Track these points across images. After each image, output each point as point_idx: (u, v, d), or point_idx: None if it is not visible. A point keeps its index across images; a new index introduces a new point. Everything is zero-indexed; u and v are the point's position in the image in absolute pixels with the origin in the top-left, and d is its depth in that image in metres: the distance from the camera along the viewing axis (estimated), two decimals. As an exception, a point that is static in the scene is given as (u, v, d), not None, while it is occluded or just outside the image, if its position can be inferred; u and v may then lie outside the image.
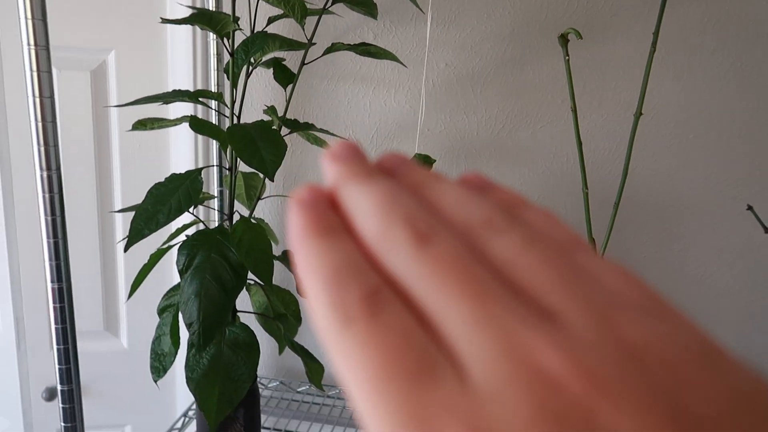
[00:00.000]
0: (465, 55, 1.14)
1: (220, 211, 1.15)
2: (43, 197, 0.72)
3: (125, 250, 0.77)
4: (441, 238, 0.17)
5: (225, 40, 0.84)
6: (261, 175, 1.08)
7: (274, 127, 0.83)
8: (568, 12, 1.10)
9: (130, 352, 1.39)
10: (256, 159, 0.76)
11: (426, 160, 0.85)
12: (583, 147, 1.13)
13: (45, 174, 0.72)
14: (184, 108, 1.22)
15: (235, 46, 0.87)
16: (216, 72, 1.14)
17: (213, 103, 1.13)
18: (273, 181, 0.73)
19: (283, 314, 1.01)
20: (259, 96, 1.21)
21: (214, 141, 1.18)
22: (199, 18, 0.72)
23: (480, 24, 1.12)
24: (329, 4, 0.89)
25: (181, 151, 1.26)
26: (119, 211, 0.91)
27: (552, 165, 1.17)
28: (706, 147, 1.12)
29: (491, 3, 1.11)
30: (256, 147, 0.78)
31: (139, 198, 1.30)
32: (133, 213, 0.88)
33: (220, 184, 1.19)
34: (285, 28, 1.16)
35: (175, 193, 0.82)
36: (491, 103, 1.16)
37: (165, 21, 0.71)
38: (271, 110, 0.86)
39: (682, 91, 1.10)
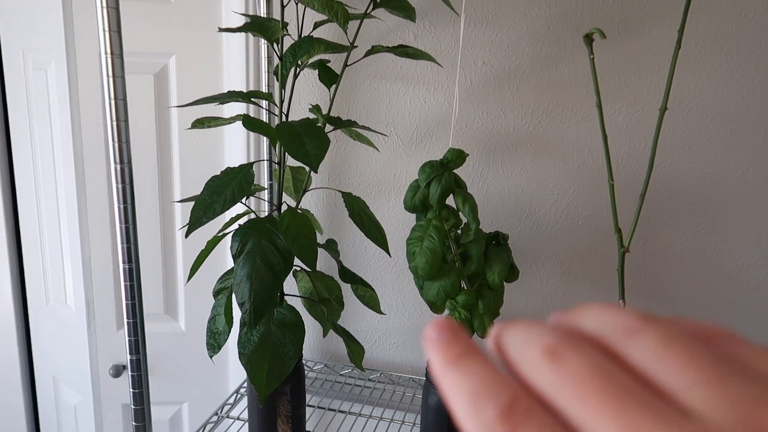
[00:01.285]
0: (502, 54, 1.19)
1: (270, 202, 1.23)
2: (116, 187, 0.82)
3: (186, 235, 0.86)
4: (573, 352, 0.18)
5: (275, 45, 0.91)
6: (307, 169, 1.16)
7: (318, 125, 0.90)
8: (603, 9, 1.13)
9: (188, 334, 1.50)
10: (302, 153, 0.83)
11: (460, 155, 0.90)
12: (614, 142, 1.16)
13: (119, 167, 0.81)
14: (237, 108, 1.31)
15: (284, 50, 0.95)
16: (267, 74, 1.22)
17: (264, 103, 1.22)
18: (317, 172, 0.80)
19: (327, 298, 1.08)
20: (305, 95, 1.29)
21: (265, 137, 1.27)
22: (252, 26, 0.80)
23: (516, 23, 1.17)
24: (370, 8, 0.96)
25: (234, 147, 1.35)
26: (179, 201, 1.00)
27: (587, 159, 1.20)
28: (743, 141, 1.13)
29: (527, 2, 1.15)
30: (302, 142, 0.85)
31: (196, 190, 1.41)
32: (192, 203, 0.97)
33: (270, 178, 1.28)
34: (330, 32, 1.23)
35: (229, 185, 0.91)
36: (527, 99, 1.20)
37: (222, 30, 0.80)
38: (315, 109, 0.94)
39: (718, 85, 1.11)
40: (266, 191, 1.27)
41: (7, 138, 1.61)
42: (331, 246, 1.08)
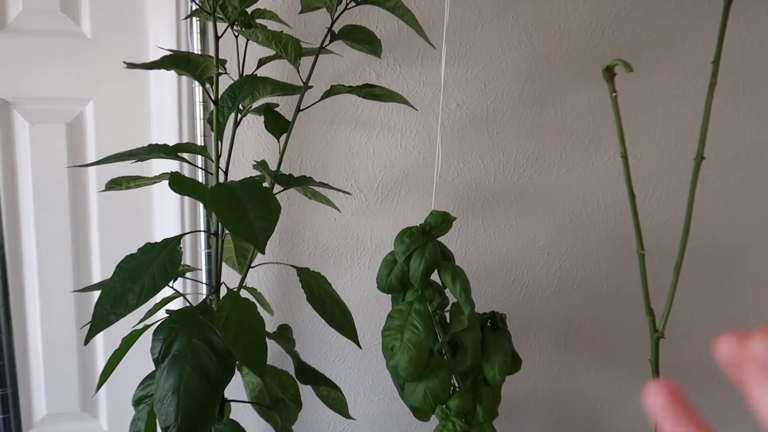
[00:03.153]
0: (478, 94, 1.03)
1: (207, 283, 1.01)
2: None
3: (86, 341, 0.64)
4: None
5: (208, 85, 0.72)
6: (253, 236, 0.95)
7: (265, 185, 0.70)
8: (591, 43, 0.99)
9: (111, 433, 1.23)
10: (243, 225, 0.63)
11: (445, 219, 0.72)
12: (609, 191, 1.00)
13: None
14: (169, 163, 1.10)
15: (220, 93, 0.76)
16: (202, 122, 1.02)
17: (199, 159, 1.01)
18: (263, 252, 0.60)
19: (281, 399, 0.87)
20: (251, 147, 1.09)
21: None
22: (174, 62, 0.60)
23: (493, 59, 1.01)
24: (327, 42, 0.78)
25: (166, 211, 1.13)
26: (85, 290, 0.78)
27: (580, 212, 1.04)
28: None
29: (505, 36, 1.00)
30: (244, 210, 0.65)
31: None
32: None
33: (208, 246, 1.06)
34: (278, 70, 1.04)
35: (148, 268, 0.69)
36: (509, 145, 1.04)
37: (131, 66, 0.60)
38: (261, 165, 0.74)
39: (746, 131, 0.98)
40: (203, 266, 1.05)
41: None
42: (284, 335, 0.86)
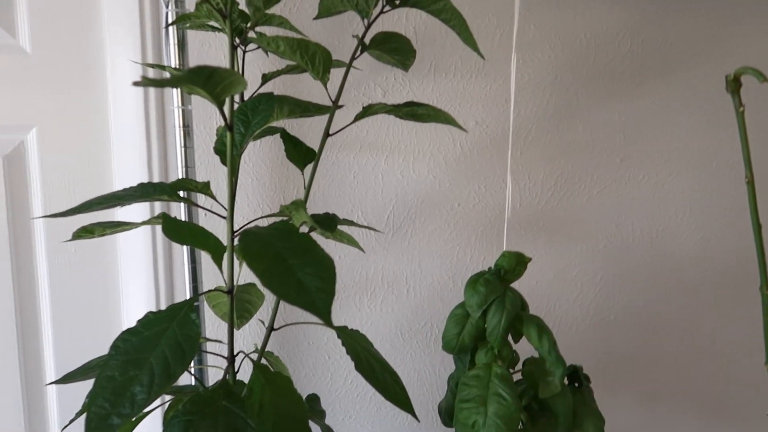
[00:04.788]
0: (498, 110, 0.92)
1: (206, 352, 0.83)
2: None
3: (83, 458, 0.46)
4: None
5: (224, 107, 0.56)
6: (258, 289, 0.79)
7: (303, 231, 0.55)
8: (621, 52, 0.90)
9: None
10: (293, 287, 0.48)
11: (520, 261, 0.60)
12: (639, 213, 0.92)
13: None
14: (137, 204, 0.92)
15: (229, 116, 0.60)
16: (183, 151, 0.85)
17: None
18: (330, 323, 0.45)
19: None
20: (247, 181, 0.93)
21: (185, 248, 0.88)
22: (194, 77, 0.45)
23: (515, 72, 0.91)
24: (358, 53, 0.64)
25: (133, 263, 0.94)
26: (66, 380, 0.60)
27: (614, 237, 0.95)
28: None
29: (527, 46, 0.90)
30: (288, 267, 0.50)
31: (81, 343, 0.97)
32: (81, 382, 0.57)
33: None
34: (277, 89, 0.89)
35: (156, 346, 0.53)
36: (535, 166, 0.93)
37: (140, 84, 0.44)
38: (294, 206, 0.59)
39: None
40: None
41: None
42: (315, 408, 0.71)
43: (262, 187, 0.93)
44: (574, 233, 0.95)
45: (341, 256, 0.96)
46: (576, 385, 0.66)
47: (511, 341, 0.63)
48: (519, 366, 0.64)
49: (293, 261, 0.51)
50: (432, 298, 0.96)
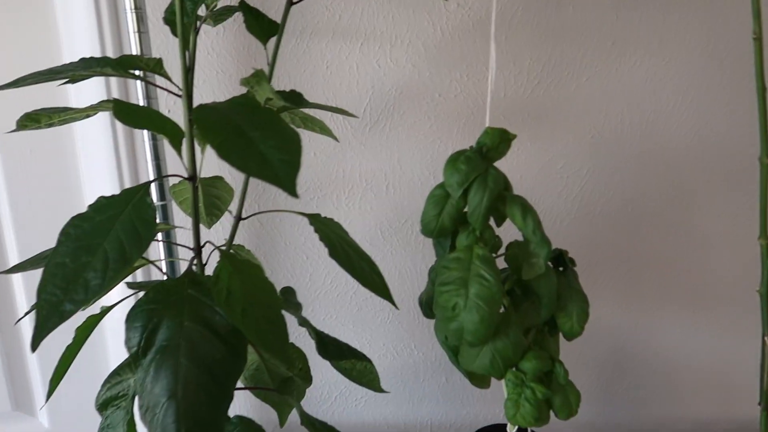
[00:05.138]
0: (483, -10, 0.85)
1: (176, 244, 0.79)
2: None
3: (33, 346, 0.43)
4: None
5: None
6: (227, 182, 0.74)
7: (267, 107, 0.50)
8: None
9: (53, 431, 1.02)
10: (254, 159, 0.44)
11: (503, 138, 0.56)
12: (633, 100, 0.88)
13: None
14: (90, 92, 0.85)
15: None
16: (137, 36, 0.78)
17: (137, 85, 0.78)
18: (296, 195, 0.41)
19: (288, 379, 0.70)
20: (207, 64, 0.86)
21: (146, 136, 0.82)
22: None
23: (502, -55, 0.83)
24: None
25: (94, 157, 0.89)
26: (9, 272, 0.56)
27: (603, 128, 0.90)
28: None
29: None
30: (248, 139, 0.45)
31: (42, 238, 0.92)
32: (37, 271, 0.53)
33: (161, 198, 0.84)
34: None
35: (109, 231, 0.49)
36: (521, 52, 0.87)
37: None
38: (256, 78, 0.53)
39: None
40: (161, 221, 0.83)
41: None
42: (290, 300, 0.69)
43: (228, 79, 0.87)
44: (561, 124, 0.90)
45: (315, 153, 0.91)
46: (560, 268, 0.64)
47: (494, 225, 0.60)
48: (502, 251, 0.62)
49: (254, 134, 0.46)
50: (412, 194, 0.93)
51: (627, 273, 0.97)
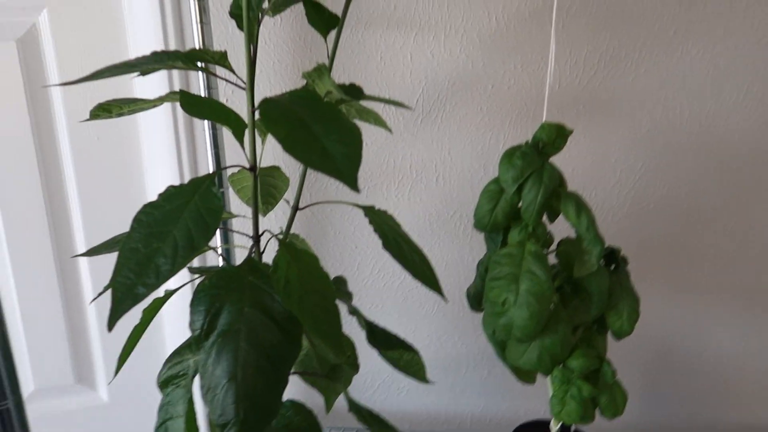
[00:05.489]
0: (540, -20, 0.83)
1: (232, 231, 0.82)
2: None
3: (110, 325, 0.46)
4: None
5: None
6: (283, 172, 0.76)
7: (327, 101, 0.52)
8: None
9: (112, 405, 1.07)
10: (316, 153, 0.45)
11: (560, 133, 0.56)
12: (689, 93, 0.85)
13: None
14: (154, 81, 0.88)
15: (244, -25, 0.55)
16: (199, 27, 0.80)
17: (198, 77, 0.80)
18: (357, 189, 0.42)
19: (337, 366, 0.72)
20: (268, 56, 0.88)
21: (206, 125, 0.85)
22: None
23: (561, -67, 0.81)
24: None
25: (156, 146, 0.92)
26: (84, 255, 0.59)
27: (660, 120, 0.88)
28: None
29: None
30: (311, 133, 0.47)
31: (104, 217, 0.97)
32: (107, 254, 0.57)
33: (219, 185, 0.87)
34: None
35: (179, 219, 0.51)
36: (578, 42, 0.86)
37: None
38: (317, 72, 0.54)
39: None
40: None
41: None
42: (342, 290, 0.70)
43: (284, 69, 0.89)
44: (616, 116, 0.89)
45: (367, 143, 0.92)
46: (613, 267, 0.63)
47: (546, 222, 0.60)
48: (553, 248, 0.61)
49: (317, 127, 0.47)
50: (462, 186, 0.93)
51: (680, 271, 0.95)
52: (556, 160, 0.90)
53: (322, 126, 0.47)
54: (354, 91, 0.55)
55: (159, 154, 0.92)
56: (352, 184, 0.43)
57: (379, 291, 0.99)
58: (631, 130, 0.89)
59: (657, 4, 0.83)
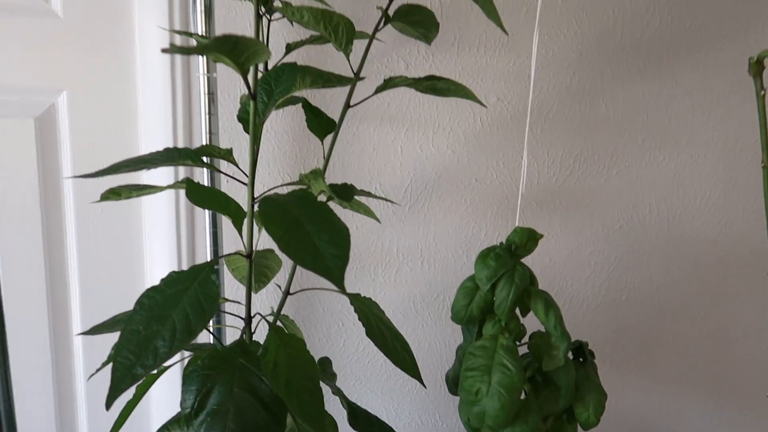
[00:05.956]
0: (521, 87, 0.92)
1: (224, 312, 0.86)
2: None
3: (108, 403, 0.49)
4: None
5: (248, 76, 0.58)
6: (276, 254, 0.81)
7: (320, 200, 0.57)
8: (648, 31, 0.89)
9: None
10: (309, 253, 0.50)
11: (531, 237, 0.61)
12: (663, 195, 0.92)
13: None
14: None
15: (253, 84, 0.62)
16: (207, 118, 0.87)
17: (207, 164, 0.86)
18: (343, 288, 0.47)
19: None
20: (270, 150, 0.95)
21: (207, 213, 0.91)
22: (220, 46, 0.47)
23: (539, 48, 0.90)
24: (381, 25, 0.65)
25: (157, 223, 0.97)
26: (94, 332, 0.63)
27: (631, 218, 0.95)
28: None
29: (553, 22, 0.89)
30: (305, 233, 0.52)
31: (105, 298, 1.01)
32: (106, 335, 0.61)
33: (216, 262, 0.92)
34: (304, 57, 0.90)
35: (178, 304, 0.55)
36: (554, 144, 0.93)
37: (168, 51, 0.46)
38: (313, 175, 0.61)
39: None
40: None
41: None
42: (327, 371, 0.74)
43: (283, 155, 0.95)
44: (590, 212, 0.95)
45: (358, 226, 0.98)
46: (581, 360, 0.68)
47: (519, 315, 0.65)
48: (526, 339, 0.66)
49: (310, 228, 0.53)
50: (445, 271, 0.98)
51: (650, 361, 0.99)
52: (538, 251, 0.96)
53: (315, 226, 0.53)
54: (345, 193, 0.61)
55: (160, 233, 0.97)
56: (340, 284, 0.48)
57: (363, 368, 1.02)
58: (605, 226, 0.95)
59: (627, 115, 0.92)
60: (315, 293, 1.00)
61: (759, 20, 0.88)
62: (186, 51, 0.45)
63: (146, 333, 0.54)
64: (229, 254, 0.68)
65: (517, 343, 0.65)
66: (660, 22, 0.89)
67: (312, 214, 0.54)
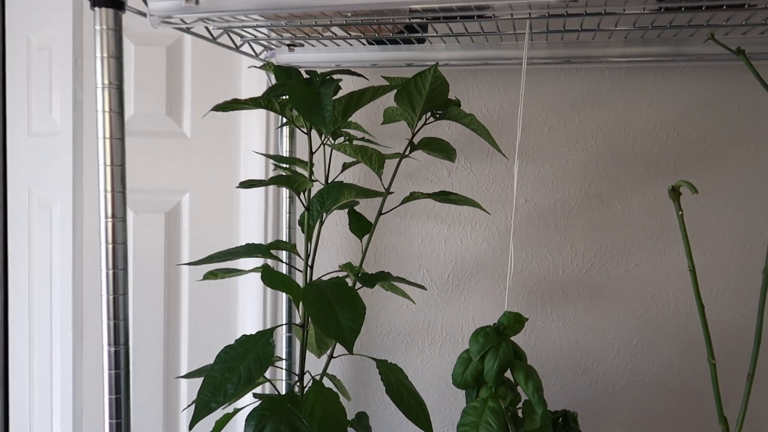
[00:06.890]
0: (546, 191, 1.08)
1: (288, 370, 1.08)
2: (108, 361, 0.67)
3: (191, 427, 0.70)
4: None
5: (302, 194, 0.81)
6: (333, 324, 1.01)
7: (350, 286, 0.77)
8: (657, 144, 1.03)
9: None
10: (332, 326, 0.70)
11: (517, 320, 0.76)
12: (674, 292, 1.02)
13: (112, 349, 0.67)
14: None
15: (310, 197, 0.84)
16: (288, 215, 1.12)
17: (283, 253, 1.10)
18: (352, 352, 0.66)
19: (357, 485, 0.90)
20: (330, 239, 1.17)
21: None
22: (279, 180, 0.70)
23: (560, 158, 1.07)
24: (407, 151, 0.86)
25: (248, 296, 1.22)
26: (189, 376, 0.86)
27: (650, 306, 1.05)
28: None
29: (572, 137, 1.06)
30: (333, 311, 0.72)
31: (209, 353, 1.27)
32: (197, 378, 0.82)
33: (289, 330, 1.14)
34: (359, 173, 1.14)
35: (245, 359, 0.76)
36: (577, 239, 1.07)
37: (244, 185, 0.69)
38: (347, 267, 0.81)
39: (796, 225, 0.99)
40: (283, 350, 1.12)
41: (4, 277, 1.49)
42: (362, 423, 0.91)
43: (341, 245, 1.17)
44: (612, 300, 1.07)
45: (408, 306, 1.16)
46: (563, 424, 0.79)
47: (514, 384, 0.78)
48: (520, 405, 0.79)
49: (337, 307, 0.72)
50: (482, 347, 1.12)
51: (678, 442, 1.05)
52: (561, 331, 1.08)
53: (341, 306, 0.72)
54: (369, 281, 0.80)
55: (250, 303, 1.21)
56: (350, 349, 0.67)
57: (400, 422, 1.17)
58: (626, 313, 1.06)
59: (641, 216, 1.04)
60: (364, 358, 1.17)
61: (759, 132, 0.99)
62: (259, 184, 0.69)
63: (221, 378, 0.75)
64: (282, 324, 0.89)
65: (518, 407, 0.79)
66: (667, 136, 1.03)
67: (340, 296, 0.74)
